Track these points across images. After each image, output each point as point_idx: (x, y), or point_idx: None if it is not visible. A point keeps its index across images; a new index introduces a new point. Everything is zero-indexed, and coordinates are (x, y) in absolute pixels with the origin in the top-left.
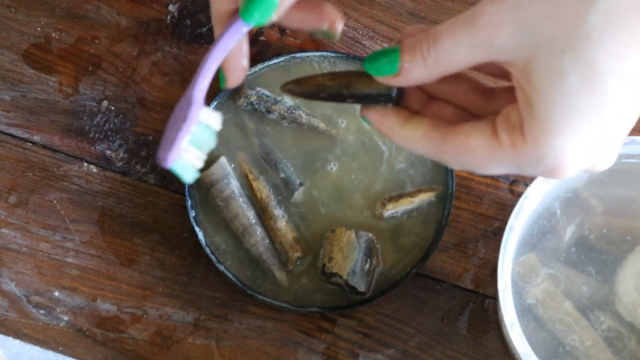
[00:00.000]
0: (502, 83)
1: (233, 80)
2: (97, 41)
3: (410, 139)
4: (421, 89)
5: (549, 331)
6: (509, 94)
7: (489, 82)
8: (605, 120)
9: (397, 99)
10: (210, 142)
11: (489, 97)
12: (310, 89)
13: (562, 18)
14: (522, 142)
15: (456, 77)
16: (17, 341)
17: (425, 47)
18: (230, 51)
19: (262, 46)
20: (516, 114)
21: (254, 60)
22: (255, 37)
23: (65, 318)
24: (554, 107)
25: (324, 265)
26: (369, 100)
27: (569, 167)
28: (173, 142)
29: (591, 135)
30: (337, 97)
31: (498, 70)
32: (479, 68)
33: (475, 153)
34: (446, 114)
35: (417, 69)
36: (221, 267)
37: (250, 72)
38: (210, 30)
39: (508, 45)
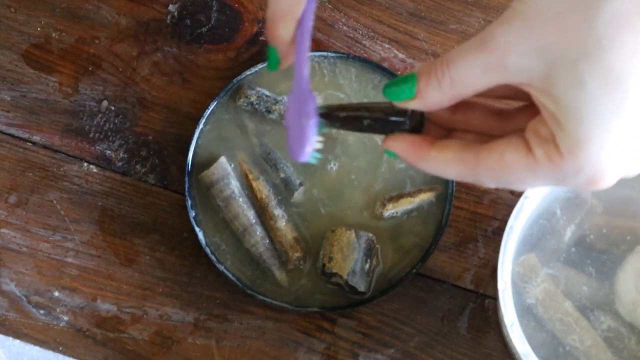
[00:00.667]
0: (515, 103)
1: (289, 61)
2: (97, 41)
3: (441, 163)
4: (437, 123)
5: (549, 331)
6: (526, 112)
7: (502, 104)
8: (631, 121)
9: (418, 129)
10: (320, 124)
11: (504, 118)
12: (332, 109)
13: (570, 31)
14: (557, 155)
15: (468, 105)
16: (17, 341)
17: (439, 70)
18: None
19: (262, 46)
20: (545, 128)
21: (254, 60)
22: (255, 37)
23: (65, 318)
24: (580, 117)
25: (324, 265)
26: (385, 125)
27: (607, 174)
28: (305, 138)
29: (621, 138)
30: (355, 119)
31: (513, 93)
32: (494, 92)
33: (513, 170)
34: (467, 140)
35: (433, 92)
36: (221, 267)
37: (250, 72)
38: (210, 30)
39: (521, 66)
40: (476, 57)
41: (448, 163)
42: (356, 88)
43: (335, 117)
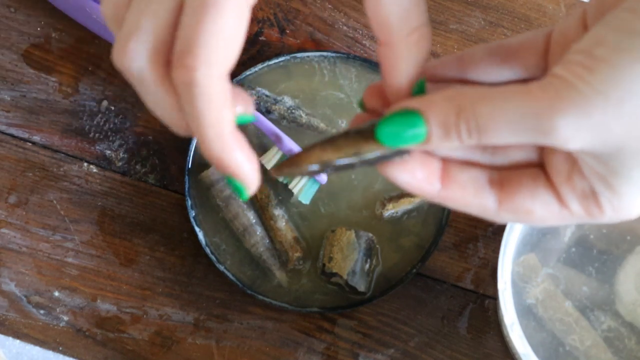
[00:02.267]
0: None
1: (255, 184)
2: (97, 41)
3: (456, 207)
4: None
5: (549, 331)
6: (515, 147)
7: None
8: None
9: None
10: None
11: (490, 149)
12: (313, 168)
13: None
14: (598, 211)
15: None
16: (17, 341)
17: (464, 128)
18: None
19: (262, 46)
20: (583, 182)
21: (254, 60)
22: (255, 37)
23: (65, 318)
24: (635, 186)
25: (324, 265)
26: (382, 160)
27: (637, 214)
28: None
29: None
30: (346, 168)
31: None
32: None
33: (543, 221)
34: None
35: (449, 144)
36: (221, 267)
37: (250, 72)
38: None
39: (581, 147)
40: (528, 137)
41: (464, 208)
42: (356, 88)
43: (326, 170)
